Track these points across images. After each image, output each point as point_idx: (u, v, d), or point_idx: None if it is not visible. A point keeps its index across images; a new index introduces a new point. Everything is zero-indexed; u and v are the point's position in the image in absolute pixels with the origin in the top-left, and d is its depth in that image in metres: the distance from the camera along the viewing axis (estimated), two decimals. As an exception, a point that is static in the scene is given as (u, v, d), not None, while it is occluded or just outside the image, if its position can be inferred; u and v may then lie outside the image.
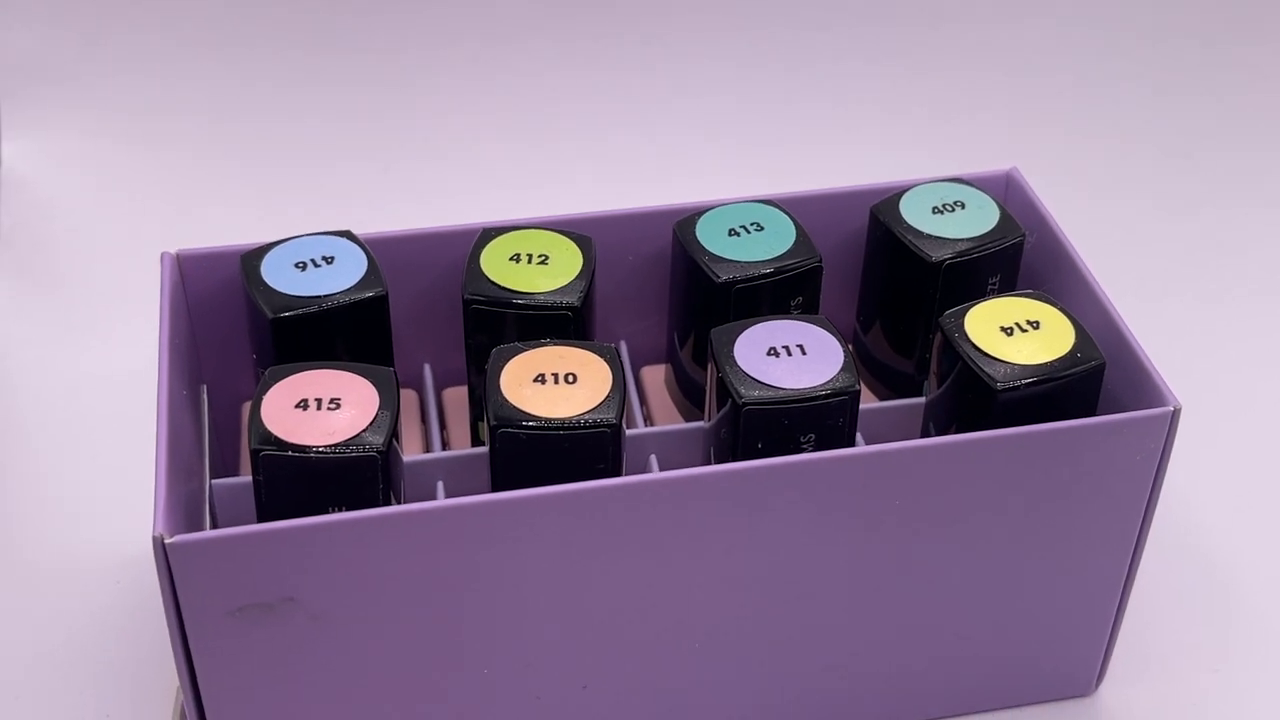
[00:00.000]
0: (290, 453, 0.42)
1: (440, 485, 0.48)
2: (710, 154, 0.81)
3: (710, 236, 0.51)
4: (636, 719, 0.48)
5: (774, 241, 0.51)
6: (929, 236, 0.51)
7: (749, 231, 0.51)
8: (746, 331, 0.46)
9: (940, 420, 0.48)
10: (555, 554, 0.43)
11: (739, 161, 0.80)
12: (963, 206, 0.52)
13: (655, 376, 0.57)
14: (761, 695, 0.49)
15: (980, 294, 0.50)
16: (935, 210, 0.52)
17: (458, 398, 0.56)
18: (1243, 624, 0.55)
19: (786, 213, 0.52)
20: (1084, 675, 0.52)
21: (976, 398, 0.45)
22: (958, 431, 0.46)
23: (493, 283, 0.49)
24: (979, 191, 0.53)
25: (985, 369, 0.45)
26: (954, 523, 0.45)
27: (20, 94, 0.78)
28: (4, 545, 0.58)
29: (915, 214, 0.52)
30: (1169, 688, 0.53)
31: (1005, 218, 0.52)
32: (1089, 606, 0.50)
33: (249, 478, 0.44)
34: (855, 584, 0.46)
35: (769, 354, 0.45)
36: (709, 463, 0.47)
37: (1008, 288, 0.52)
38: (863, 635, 0.48)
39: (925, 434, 0.49)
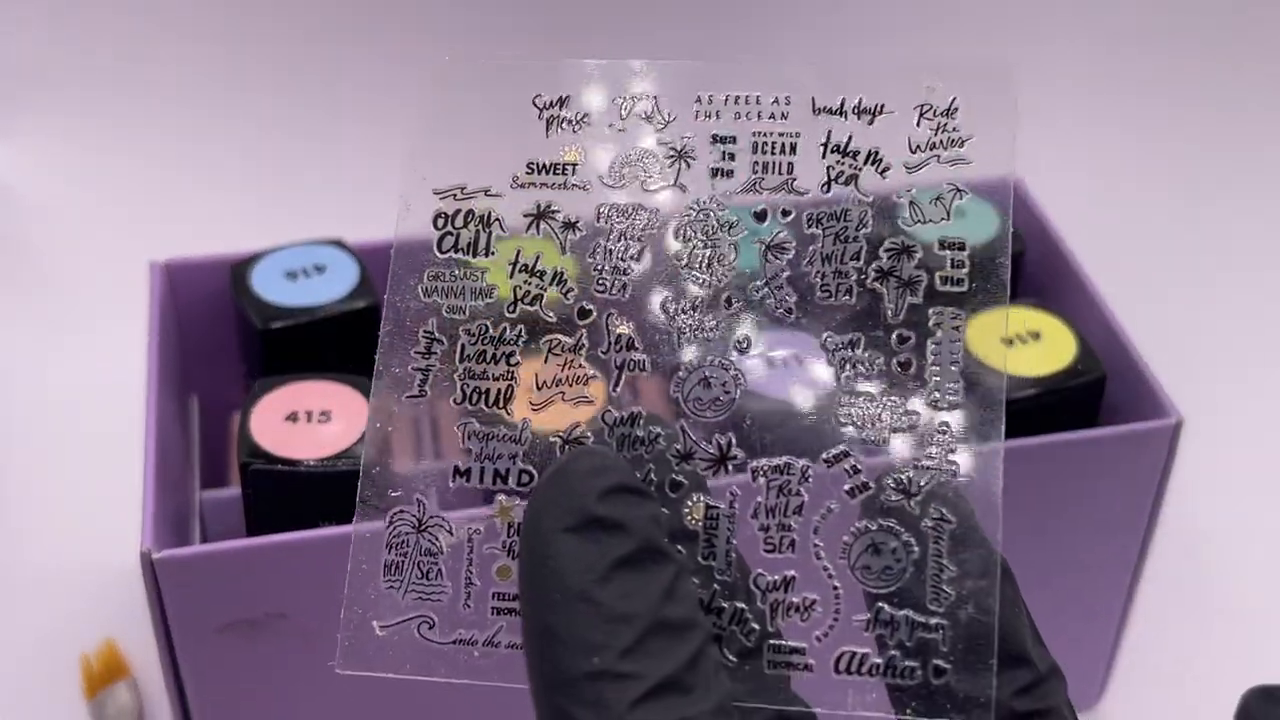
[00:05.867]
0: (279, 466, 0.41)
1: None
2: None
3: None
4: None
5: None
6: (928, 245, 0.50)
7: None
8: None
9: (940, 431, 0.47)
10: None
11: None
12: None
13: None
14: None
15: (980, 304, 0.50)
16: (934, 218, 0.51)
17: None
18: (1245, 635, 0.55)
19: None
20: (1087, 687, 0.51)
21: (977, 409, 0.45)
22: (958, 443, 0.46)
23: None
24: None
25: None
26: (954, 535, 0.45)
27: (7, 101, 0.78)
28: (-8, 557, 0.58)
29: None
30: (1172, 699, 0.53)
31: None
32: (1092, 618, 0.49)
33: (239, 490, 0.43)
34: (854, 597, 0.46)
35: None
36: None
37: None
38: (862, 649, 0.47)
39: (925, 445, 0.48)
